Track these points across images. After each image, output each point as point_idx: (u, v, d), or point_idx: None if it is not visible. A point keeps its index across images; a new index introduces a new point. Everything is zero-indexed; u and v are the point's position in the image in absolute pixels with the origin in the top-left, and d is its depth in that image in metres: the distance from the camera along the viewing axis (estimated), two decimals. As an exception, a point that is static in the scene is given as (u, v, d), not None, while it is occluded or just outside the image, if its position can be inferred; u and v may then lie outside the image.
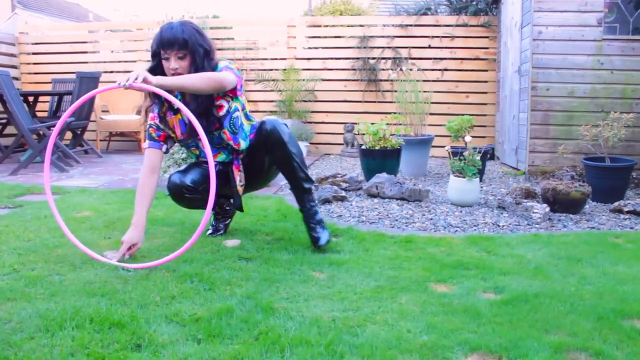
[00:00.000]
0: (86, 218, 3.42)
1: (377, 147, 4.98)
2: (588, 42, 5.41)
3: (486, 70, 7.51)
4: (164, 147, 2.82)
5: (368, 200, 4.25)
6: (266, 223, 3.38)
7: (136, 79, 2.36)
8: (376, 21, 7.96)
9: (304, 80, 7.64)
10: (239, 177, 2.89)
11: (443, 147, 5.01)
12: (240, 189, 2.91)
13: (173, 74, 2.58)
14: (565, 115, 5.38)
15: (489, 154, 6.30)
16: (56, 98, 7.32)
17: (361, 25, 7.79)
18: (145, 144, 2.84)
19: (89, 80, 6.78)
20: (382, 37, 7.68)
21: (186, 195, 2.83)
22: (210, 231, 3.15)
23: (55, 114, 7.26)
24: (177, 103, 2.46)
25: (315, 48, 7.93)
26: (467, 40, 7.53)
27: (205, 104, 2.69)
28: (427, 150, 5.87)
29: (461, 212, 3.91)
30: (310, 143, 7.52)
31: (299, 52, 7.92)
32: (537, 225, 3.54)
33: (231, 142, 2.83)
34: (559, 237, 3.23)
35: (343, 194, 4.16)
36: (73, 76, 6.67)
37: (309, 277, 2.40)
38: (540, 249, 2.94)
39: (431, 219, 3.68)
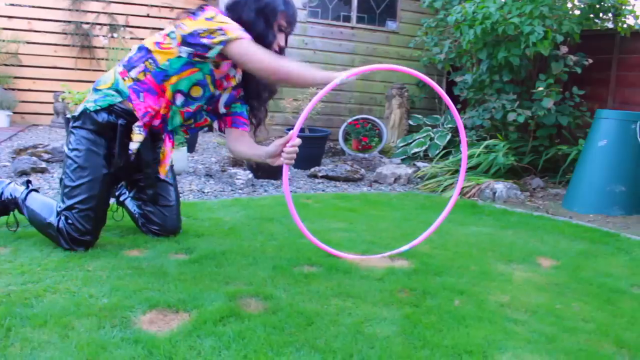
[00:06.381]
0: None
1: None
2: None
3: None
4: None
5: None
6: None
7: None
8: (91, -17, 7.47)
9: (4, 41, 6.82)
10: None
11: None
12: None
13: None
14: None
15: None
16: None
17: (73, -14, 7.23)
18: None
19: None
20: (98, 1, 7.24)
21: None
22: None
23: None
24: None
25: (20, 5, 7.11)
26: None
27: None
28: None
29: (170, 180, 3.96)
30: (14, 112, 6.77)
31: (-2, 9, 7.04)
32: (240, 191, 3.77)
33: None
34: (258, 200, 3.50)
35: (43, 165, 3.86)
36: None
37: (-13, 253, 2.20)
38: (238, 212, 3.15)
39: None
